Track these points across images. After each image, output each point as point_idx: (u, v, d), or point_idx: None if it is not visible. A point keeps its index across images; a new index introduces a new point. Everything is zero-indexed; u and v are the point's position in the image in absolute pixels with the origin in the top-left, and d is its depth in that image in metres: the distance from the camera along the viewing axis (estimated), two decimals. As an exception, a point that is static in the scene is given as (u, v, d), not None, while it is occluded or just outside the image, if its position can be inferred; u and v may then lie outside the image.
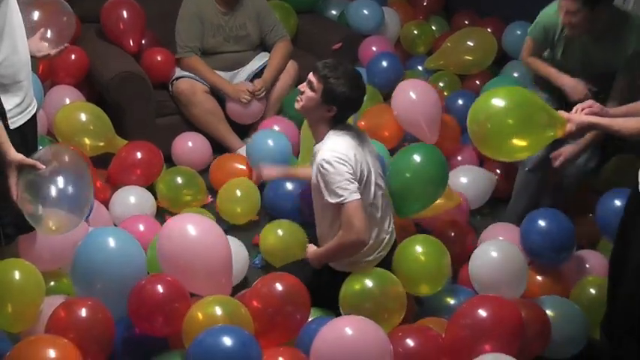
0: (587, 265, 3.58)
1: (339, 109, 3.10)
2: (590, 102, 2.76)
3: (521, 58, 4.18)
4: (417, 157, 3.56)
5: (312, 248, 3.29)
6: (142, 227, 3.63)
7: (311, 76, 3.13)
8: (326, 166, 3.01)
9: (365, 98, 3.23)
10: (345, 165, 3.01)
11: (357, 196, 3.01)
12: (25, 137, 2.86)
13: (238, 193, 4.00)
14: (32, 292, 2.89)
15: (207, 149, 4.54)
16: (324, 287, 3.17)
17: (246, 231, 4.02)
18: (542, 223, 3.51)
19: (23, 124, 2.84)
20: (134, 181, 3.99)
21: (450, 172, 3.97)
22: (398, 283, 3.20)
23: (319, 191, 3.08)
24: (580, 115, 2.70)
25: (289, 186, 3.94)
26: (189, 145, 4.48)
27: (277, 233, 3.73)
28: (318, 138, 3.18)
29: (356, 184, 3.02)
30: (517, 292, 3.31)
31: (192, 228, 3.04)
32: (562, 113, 2.71)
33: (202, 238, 3.06)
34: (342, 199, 2.99)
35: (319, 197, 3.12)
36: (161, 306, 2.82)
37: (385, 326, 2.96)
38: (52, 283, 3.17)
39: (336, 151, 3.03)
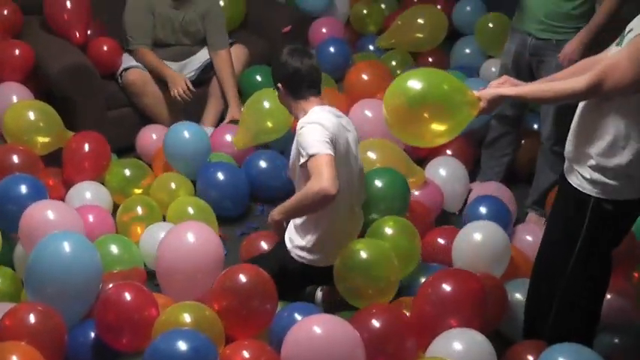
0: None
1: (283, 82, 3.24)
2: (503, 78, 2.79)
3: None
4: (378, 183, 3.56)
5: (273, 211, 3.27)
6: (91, 218, 3.56)
7: None
8: (302, 128, 3.07)
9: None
10: (321, 127, 3.06)
11: (330, 152, 3.01)
12: None
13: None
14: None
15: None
16: (290, 277, 3.20)
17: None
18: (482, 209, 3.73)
19: None
20: (85, 175, 3.90)
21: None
22: (392, 257, 3.22)
23: (298, 160, 3.10)
24: (488, 89, 2.72)
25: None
26: (154, 137, 4.38)
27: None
28: (294, 115, 3.32)
29: (331, 145, 3.04)
30: (498, 273, 3.33)
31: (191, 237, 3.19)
32: (475, 92, 2.70)
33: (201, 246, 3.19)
34: (314, 150, 2.99)
35: (299, 168, 3.14)
36: (129, 315, 2.80)
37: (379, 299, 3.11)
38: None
39: (313, 118, 3.11)
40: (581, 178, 2.66)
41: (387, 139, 3.99)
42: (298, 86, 3.22)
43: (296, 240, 3.26)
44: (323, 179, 2.94)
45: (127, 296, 2.82)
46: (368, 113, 4.23)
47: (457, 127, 2.71)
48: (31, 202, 3.33)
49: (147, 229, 3.62)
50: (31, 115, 3.95)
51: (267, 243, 3.56)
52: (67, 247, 2.94)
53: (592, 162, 2.62)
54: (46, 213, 3.25)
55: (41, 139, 3.95)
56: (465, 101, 2.67)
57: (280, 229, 3.28)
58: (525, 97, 2.73)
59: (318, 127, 3.06)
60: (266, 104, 4.16)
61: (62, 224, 3.19)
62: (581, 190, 2.67)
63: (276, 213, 3.21)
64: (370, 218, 3.50)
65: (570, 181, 2.72)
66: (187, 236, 3.19)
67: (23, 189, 3.40)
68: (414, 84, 2.66)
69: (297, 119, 3.25)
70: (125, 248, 3.45)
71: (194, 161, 4.07)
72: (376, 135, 4.04)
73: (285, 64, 3.21)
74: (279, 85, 3.25)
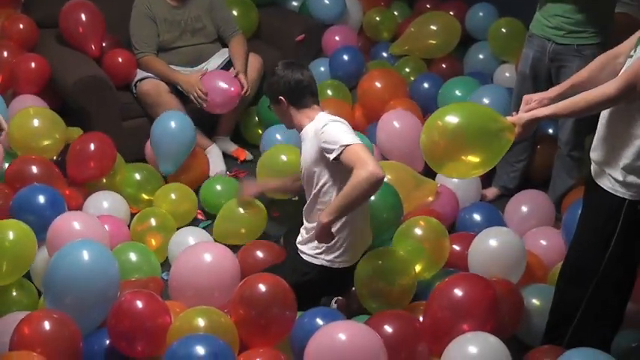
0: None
1: (285, 94, 3.26)
2: (526, 98, 2.84)
3: None
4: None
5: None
6: (107, 227, 3.57)
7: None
8: (325, 126, 3.06)
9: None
10: (343, 123, 3.11)
11: (361, 142, 3.01)
12: None
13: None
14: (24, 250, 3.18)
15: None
16: (307, 286, 3.18)
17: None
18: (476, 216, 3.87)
19: None
20: (90, 176, 3.94)
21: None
22: (410, 262, 3.28)
23: (322, 158, 3.09)
24: (521, 114, 2.76)
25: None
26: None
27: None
28: (297, 126, 3.30)
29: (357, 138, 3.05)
30: (514, 279, 3.32)
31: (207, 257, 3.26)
32: (508, 118, 2.75)
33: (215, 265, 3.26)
34: (347, 141, 2.97)
35: (321, 166, 3.13)
36: (142, 323, 2.81)
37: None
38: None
39: (330, 118, 3.14)
40: (614, 181, 2.67)
41: (394, 161, 4.06)
42: (302, 96, 3.27)
43: (314, 242, 3.22)
44: (369, 164, 2.89)
45: (139, 304, 2.83)
46: (396, 124, 4.24)
47: (494, 156, 2.79)
48: (49, 213, 3.39)
49: (177, 233, 3.73)
50: (35, 122, 3.96)
51: (262, 253, 3.57)
52: (85, 255, 2.96)
53: (625, 162, 2.62)
54: (72, 224, 3.32)
55: (47, 142, 3.98)
56: (500, 129, 2.72)
57: (329, 234, 3.07)
58: (559, 114, 2.73)
59: (340, 123, 3.09)
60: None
61: (87, 235, 3.23)
62: (613, 193, 2.68)
63: (324, 216, 3.01)
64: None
65: (602, 185, 2.72)
66: (204, 256, 3.24)
67: (42, 199, 3.44)
68: (451, 118, 2.74)
69: (300, 128, 3.28)
70: (144, 256, 3.49)
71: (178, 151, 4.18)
72: (405, 145, 4.12)
73: (286, 77, 3.25)
74: (281, 97, 3.26)
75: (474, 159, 2.75)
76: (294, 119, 3.30)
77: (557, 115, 2.73)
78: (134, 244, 3.61)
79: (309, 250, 3.26)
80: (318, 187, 3.18)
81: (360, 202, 3.02)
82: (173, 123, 4.16)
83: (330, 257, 3.23)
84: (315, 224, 3.13)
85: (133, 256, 3.45)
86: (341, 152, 2.97)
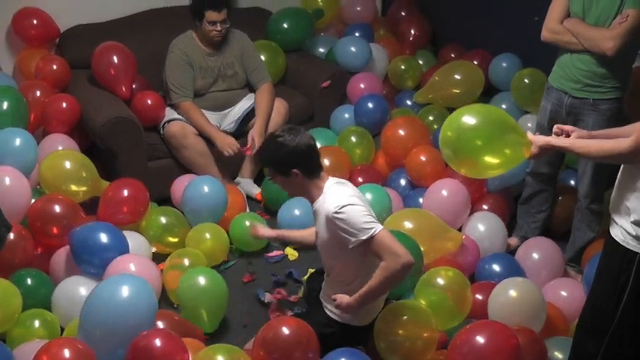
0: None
1: (299, 166, 3.04)
2: (569, 127, 2.87)
3: (542, 36, 3.82)
4: None
5: (343, 298, 3.10)
6: (132, 267, 3.57)
7: (266, 172, 3.13)
8: (340, 214, 2.92)
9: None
10: (356, 206, 2.94)
11: (380, 225, 2.94)
12: None
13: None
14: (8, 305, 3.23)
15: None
16: (326, 340, 3.12)
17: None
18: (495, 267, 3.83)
19: None
20: (121, 220, 3.95)
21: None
22: (431, 315, 3.25)
23: (339, 241, 2.98)
24: (538, 136, 2.82)
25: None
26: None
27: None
28: (311, 198, 3.12)
29: (374, 216, 2.98)
30: (535, 330, 3.29)
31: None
32: (528, 135, 2.81)
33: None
34: (372, 231, 2.89)
35: (338, 249, 3.03)
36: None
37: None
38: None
39: (344, 196, 2.98)
40: (626, 233, 2.67)
41: (419, 209, 4.09)
42: (313, 163, 3.07)
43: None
44: (399, 254, 2.87)
45: (157, 342, 2.84)
46: (444, 192, 4.19)
47: (508, 163, 2.85)
48: (111, 254, 3.52)
49: None
50: (67, 165, 4.01)
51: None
52: (125, 291, 3.00)
53: (635, 217, 2.63)
54: (129, 266, 3.45)
55: (76, 188, 4.00)
56: (517, 142, 2.79)
57: (353, 313, 3.14)
58: (572, 150, 2.75)
59: (353, 207, 2.93)
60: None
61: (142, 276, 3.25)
62: (625, 245, 2.68)
63: (354, 302, 3.04)
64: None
65: (614, 237, 2.72)
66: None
67: (106, 238, 3.57)
68: (469, 119, 2.83)
69: (312, 200, 3.11)
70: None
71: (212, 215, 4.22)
72: (449, 211, 4.11)
73: (298, 145, 3.02)
74: (295, 170, 3.03)
75: (489, 160, 2.82)
76: (305, 191, 3.11)
77: (570, 150, 2.76)
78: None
79: (333, 308, 3.20)
80: (337, 265, 3.14)
81: (389, 290, 3.12)
82: (205, 189, 4.22)
83: (354, 319, 3.20)
84: (335, 292, 3.16)
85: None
86: (362, 242, 2.91)
